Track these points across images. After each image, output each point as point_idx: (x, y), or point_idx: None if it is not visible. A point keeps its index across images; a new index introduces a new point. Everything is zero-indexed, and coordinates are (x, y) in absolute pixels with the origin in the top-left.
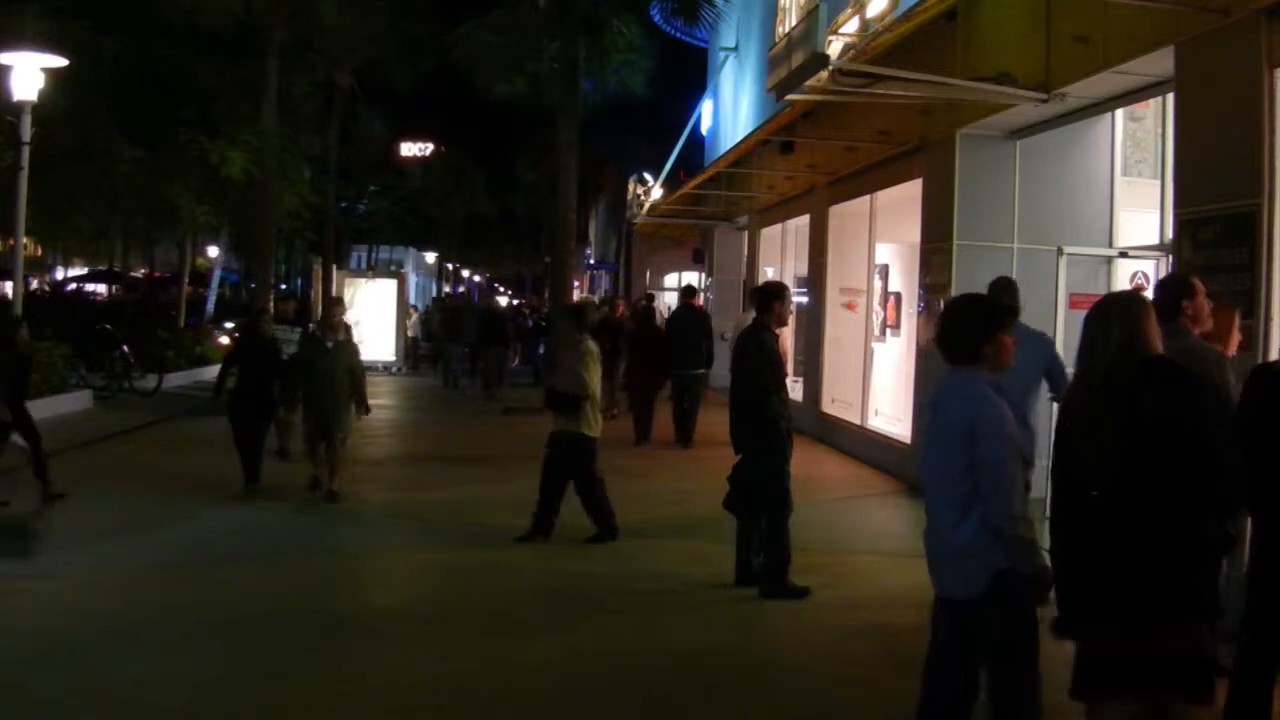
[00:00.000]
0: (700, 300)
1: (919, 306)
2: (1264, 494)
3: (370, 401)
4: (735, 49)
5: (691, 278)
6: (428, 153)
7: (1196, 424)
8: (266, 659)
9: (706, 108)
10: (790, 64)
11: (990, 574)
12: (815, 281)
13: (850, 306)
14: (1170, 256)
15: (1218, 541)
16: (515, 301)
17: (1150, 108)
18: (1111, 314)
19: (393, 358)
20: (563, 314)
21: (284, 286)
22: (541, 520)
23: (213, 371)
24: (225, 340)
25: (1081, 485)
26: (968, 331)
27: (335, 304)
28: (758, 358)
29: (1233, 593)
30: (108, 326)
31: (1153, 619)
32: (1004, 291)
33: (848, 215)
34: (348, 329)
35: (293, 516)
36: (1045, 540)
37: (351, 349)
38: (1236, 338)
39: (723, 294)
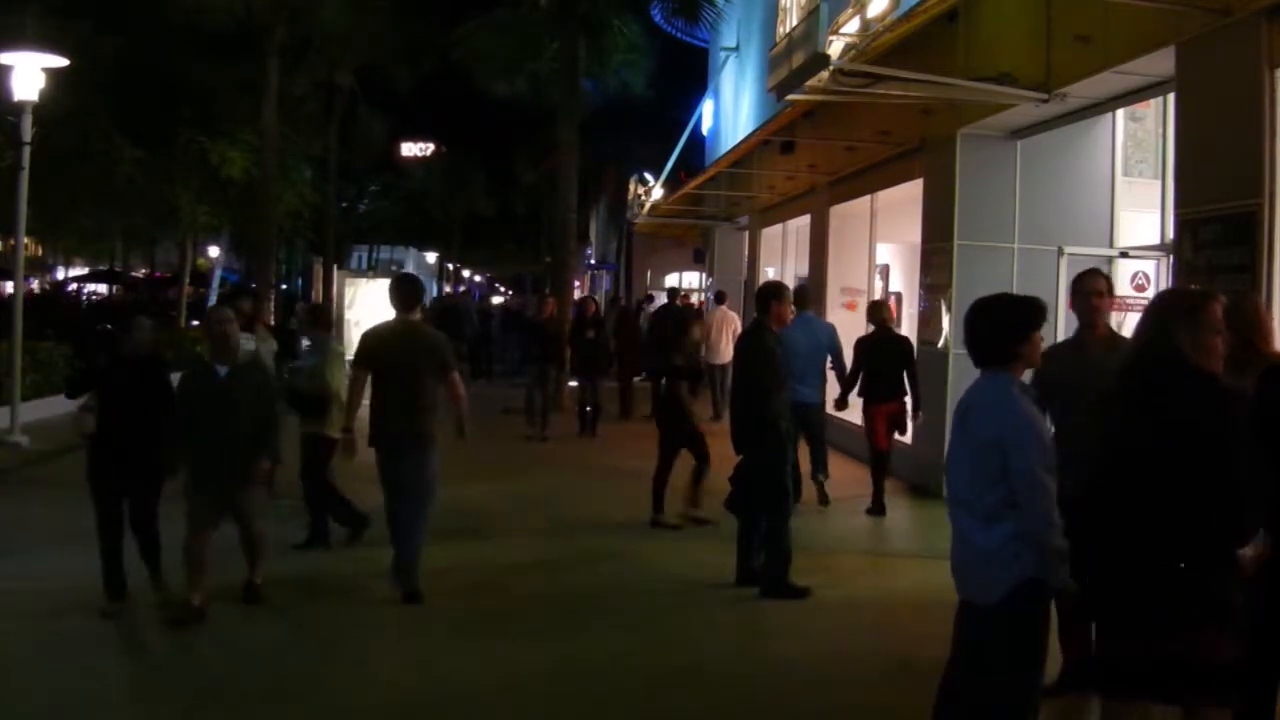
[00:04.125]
0: (689, 299)
1: (920, 306)
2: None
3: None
4: (736, 49)
5: (692, 278)
6: (428, 153)
7: (1214, 427)
8: (265, 659)
9: (707, 108)
10: (791, 64)
11: (1012, 583)
12: (816, 282)
13: (850, 306)
14: (1171, 256)
15: (1232, 540)
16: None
17: (1150, 108)
18: (1151, 311)
19: None
20: (305, 315)
21: (284, 286)
22: (352, 521)
23: None
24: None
25: (1102, 482)
26: (1001, 332)
27: (223, 307)
28: (758, 358)
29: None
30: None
31: (1169, 622)
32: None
33: (848, 215)
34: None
35: (287, 514)
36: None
37: (259, 376)
38: None
39: None
